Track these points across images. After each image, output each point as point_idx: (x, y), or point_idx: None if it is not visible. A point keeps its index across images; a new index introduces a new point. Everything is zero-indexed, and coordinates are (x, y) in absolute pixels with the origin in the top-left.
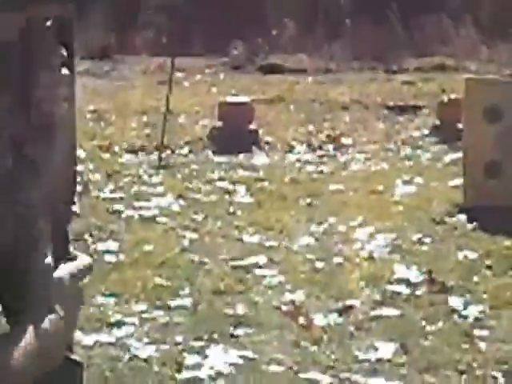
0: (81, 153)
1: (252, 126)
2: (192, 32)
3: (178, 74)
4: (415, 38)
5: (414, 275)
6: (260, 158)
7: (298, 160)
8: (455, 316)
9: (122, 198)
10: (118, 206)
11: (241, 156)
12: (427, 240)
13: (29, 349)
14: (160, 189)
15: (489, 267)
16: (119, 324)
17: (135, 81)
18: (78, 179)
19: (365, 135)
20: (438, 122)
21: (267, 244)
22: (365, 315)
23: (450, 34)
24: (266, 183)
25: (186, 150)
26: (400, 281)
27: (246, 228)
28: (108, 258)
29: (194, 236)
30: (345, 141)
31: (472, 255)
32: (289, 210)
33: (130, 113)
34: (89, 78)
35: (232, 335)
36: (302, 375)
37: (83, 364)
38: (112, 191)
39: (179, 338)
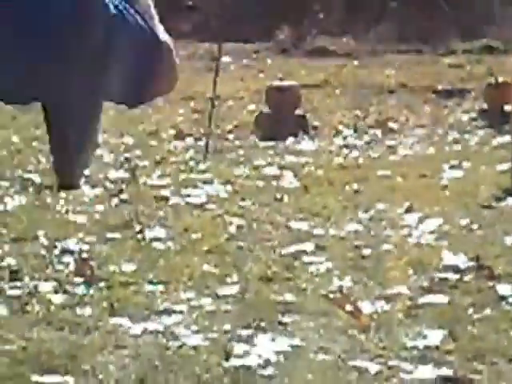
0: (128, 139)
1: (299, 111)
2: (238, 17)
3: (225, 59)
4: (462, 20)
5: (462, 261)
6: (307, 143)
7: (345, 145)
8: (503, 303)
9: (169, 185)
10: (165, 193)
11: (288, 141)
12: (475, 225)
13: None
14: (207, 175)
15: None
16: (167, 312)
17: (181, 66)
18: (126, 166)
19: (412, 119)
20: (485, 106)
21: (314, 230)
22: (412, 302)
23: (498, 14)
24: (313, 168)
25: (233, 136)
26: (448, 267)
27: (293, 214)
28: (156, 245)
29: (242, 223)
30: (392, 125)
31: None
32: (336, 195)
33: (176, 98)
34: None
35: (280, 323)
36: (350, 363)
37: None
38: (159, 178)
39: (227, 326)
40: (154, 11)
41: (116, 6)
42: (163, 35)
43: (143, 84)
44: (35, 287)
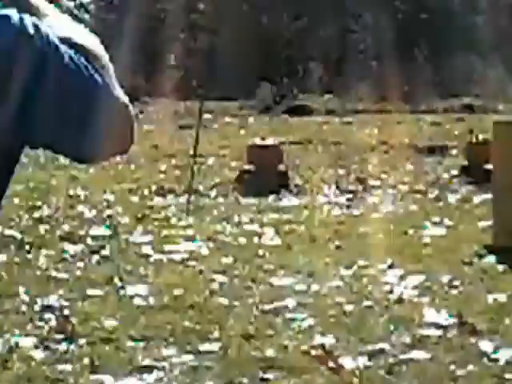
0: (109, 196)
1: (281, 169)
2: (220, 75)
3: (207, 117)
4: (443, 79)
5: (444, 318)
6: (289, 201)
7: (327, 202)
8: (486, 359)
9: (150, 242)
10: (147, 250)
11: (270, 198)
12: (457, 282)
13: None
14: (189, 232)
15: None
16: (149, 368)
17: (164, 124)
18: (107, 222)
19: (393, 177)
20: (466, 163)
21: (296, 287)
22: (395, 359)
23: (478, 74)
24: (294, 226)
25: (214, 193)
26: (430, 324)
27: (275, 271)
28: (137, 301)
29: (223, 279)
30: (373, 182)
31: (502, 297)
32: (318, 252)
33: (158, 156)
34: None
35: (261, 379)
36: None
37: None
38: (141, 234)
39: (209, 383)
40: (112, 71)
41: (71, 57)
42: (119, 94)
43: (93, 140)
44: (16, 343)
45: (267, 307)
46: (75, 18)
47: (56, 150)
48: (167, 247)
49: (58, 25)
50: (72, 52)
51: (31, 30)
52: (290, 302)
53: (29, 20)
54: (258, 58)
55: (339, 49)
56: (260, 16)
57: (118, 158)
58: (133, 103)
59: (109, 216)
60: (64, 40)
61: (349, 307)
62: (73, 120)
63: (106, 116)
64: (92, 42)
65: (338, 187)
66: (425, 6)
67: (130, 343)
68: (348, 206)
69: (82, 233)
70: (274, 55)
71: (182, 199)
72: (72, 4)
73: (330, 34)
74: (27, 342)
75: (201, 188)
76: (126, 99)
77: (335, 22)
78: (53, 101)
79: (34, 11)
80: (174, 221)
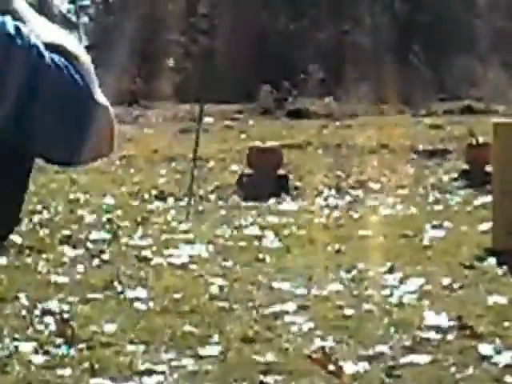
0: (110, 199)
1: (281, 172)
2: (220, 78)
3: (207, 120)
4: (443, 81)
5: (444, 321)
6: (289, 204)
7: (327, 205)
8: (486, 362)
9: (151, 245)
10: (147, 253)
11: (270, 201)
12: (457, 285)
13: None
14: (189, 235)
15: None
16: (149, 372)
17: (163, 127)
18: (108, 226)
19: (393, 179)
20: (466, 166)
21: (296, 290)
22: (395, 362)
23: (477, 76)
24: (294, 229)
25: (214, 197)
26: (430, 327)
27: (275, 274)
28: (137, 305)
29: (223, 283)
30: (373, 185)
31: (502, 300)
32: (318, 255)
33: (158, 159)
34: (117, 124)
35: (262, 383)
36: None
37: None
38: (141, 238)
39: None
40: (93, 74)
41: (52, 59)
42: (100, 96)
43: (74, 143)
44: (16, 348)
45: (267, 311)
46: (70, 22)
47: (37, 153)
48: (167, 251)
49: (39, 28)
50: (53, 54)
51: (12, 31)
52: (290, 306)
53: (10, 22)
54: (257, 61)
55: (338, 51)
56: (259, 19)
57: (117, 162)
58: (132, 106)
59: (109, 220)
60: (45, 42)
61: (349, 311)
62: (53, 121)
63: (87, 118)
64: (73, 44)
65: (337, 190)
66: (424, 8)
67: (130, 347)
68: (348, 209)
69: (81, 237)
70: (274, 58)
71: (182, 203)
72: (72, 7)
73: (329, 36)
74: (27, 347)
75: (201, 191)
76: (106, 101)
77: (334, 24)
78: (34, 101)
79: (15, 15)
80: (174, 224)
